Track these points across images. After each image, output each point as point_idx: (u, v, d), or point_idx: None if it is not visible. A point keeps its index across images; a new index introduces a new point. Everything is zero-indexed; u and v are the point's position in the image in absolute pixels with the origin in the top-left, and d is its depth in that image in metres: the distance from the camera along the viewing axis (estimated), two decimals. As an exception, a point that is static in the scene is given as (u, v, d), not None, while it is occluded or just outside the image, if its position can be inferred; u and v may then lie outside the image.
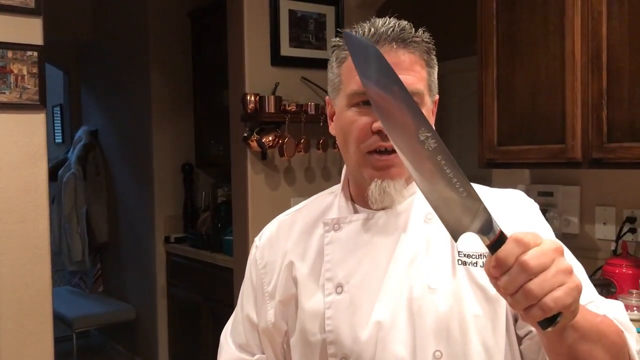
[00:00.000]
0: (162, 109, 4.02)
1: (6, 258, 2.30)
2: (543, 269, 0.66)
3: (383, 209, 0.97)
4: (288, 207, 1.16)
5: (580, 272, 0.94)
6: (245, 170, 3.04)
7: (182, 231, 4.04)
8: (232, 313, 1.15)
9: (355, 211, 1.02)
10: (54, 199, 4.66)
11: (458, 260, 0.93)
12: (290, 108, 3.01)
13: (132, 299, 4.37)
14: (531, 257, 0.66)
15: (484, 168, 2.32)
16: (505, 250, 0.67)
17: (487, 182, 2.77)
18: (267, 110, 2.95)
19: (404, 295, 0.92)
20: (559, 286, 0.66)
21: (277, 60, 3.07)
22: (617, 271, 2.10)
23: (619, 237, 2.19)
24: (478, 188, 1.04)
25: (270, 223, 1.13)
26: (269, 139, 2.98)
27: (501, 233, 0.70)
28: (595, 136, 1.95)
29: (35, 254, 2.36)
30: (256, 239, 1.12)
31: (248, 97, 2.96)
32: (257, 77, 3.03)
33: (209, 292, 3.51)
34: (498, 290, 0.69)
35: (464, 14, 2.70)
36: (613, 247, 2.19)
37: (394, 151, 0.91)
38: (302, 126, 2.99)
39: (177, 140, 4.08)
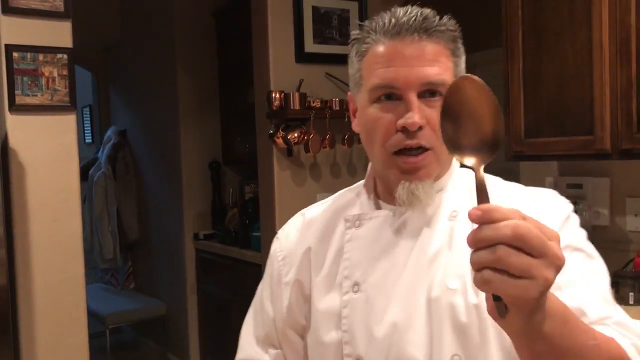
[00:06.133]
0: (189, 107, 4.06)
1: (41, 256, 2.36)
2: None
3: None
4: (314, 202, 1.16)
5: (595, 274, 0.87)
6: (272, 166, 3.06)
7: (211, 228, 4.08)
8: None
9: (378, 207, 0.99)
10: (85, 199, 4.75)
11: None
12: (315, 104, 3.01)
13: (163, 295, 4.44)
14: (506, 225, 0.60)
15: (512, 161, 2.30)
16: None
17: (515, 174, 2.75)
18: (292, 107, 2.97)
19: (423, 295, 0.88)
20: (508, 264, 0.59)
21: (302, 56, 3.08)
22: (649, 263, 2.07)
23: (650, 228, 2.16)
24: (511, 186, 0.99)
25: (294, 217, 1.11)
26: (294, 135, 2.99)
27: None
28: (624, 126, 1.92)
29: (69, 252, 2.42)
30: (279, 231, 1.11)
31: (273, 95, 2.98)
32: (282, 74, 3.04)
33: (238, 287, 3.54)
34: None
35: (489, 5, 2.67)
36: (645, 239, 2.16)
37: (420, 151, 0.89)
38: (327, 122, 3.00)
39: (204, 138, 4.12)
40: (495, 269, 0.59)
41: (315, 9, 3.11)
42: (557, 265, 0.61)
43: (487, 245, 0.60)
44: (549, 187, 2.50)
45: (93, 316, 4.09)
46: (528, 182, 2.83)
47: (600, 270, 0.89)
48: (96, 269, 5.17)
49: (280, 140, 2.99)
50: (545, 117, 2.14)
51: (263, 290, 1.08)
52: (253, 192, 3.83)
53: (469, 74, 0.68)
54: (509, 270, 0.59)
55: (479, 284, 0.61)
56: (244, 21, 3.40)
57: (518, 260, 0.59)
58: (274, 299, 1.04)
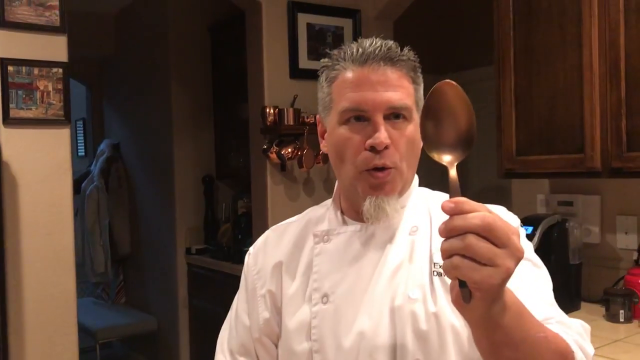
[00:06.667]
0: (183, 121, 4.07)
1: (33, 270, 2.35)
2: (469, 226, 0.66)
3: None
4: (308, 218, 1.18)
5: (541, 281, 0.96)
6: (265, 181, 3.07)
7: (203, 243, 4.08)
8: None
9: (345, 223, 1.06)
10: (77, 212, 4.73)
11: (433, 271, 0.96)
12: (308, 120, 3.03)
13: (154, 310, 4.42)
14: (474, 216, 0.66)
15: (503, 178, 2.32)
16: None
17: (507, 191, 2.77)
18: (286, 123, 2.99)
19: (387, 305, 0.95)
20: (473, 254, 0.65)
21: (296, 72, 3.11)
22: (639, 281, 2.08)
23: (641, 246, 2.17)
24: None
25: (264, 233, 1.18)
26: (288, 150, 3.01)
27: None
28: (614, 145, 1.94)
29: (61, 265, 2.41)
30: (251, 248, 1.16)
31: (267, 110, 3.00)
32: (276, 90, 3.06)
33: (230, 303, 3.51)
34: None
35: (480, 25, 2.71)
36: (635, 257, 2.17)
37: (387, 168, 0.97)
38: (320, 138, 3.01)
39: (197, 152, 4.13)
40: (464, 257, 0.66)
41: (310, 26, 3.14)
42: (518, 257, 0.67)
43: (458, 234, 0.66)
44: (541, 204, 2.53)
45: (83, 331, 4.06)
46: (519, 199, 2.85)
47: (545, 277, 0.98)
48: (87, 283, 5.14)
49: (273, 156, 3.00)
50: (536, 135, 2.17)
51: (238, 304, 1.14)
52: (246, 207, 3.83)
53: (448, 80, 0.75)
54: (475, 257, 0.65)
55: (448, 269, 0.67)
56: (239, 36, 3.42)
57: (484, 247, 0.65)
58: (250, 311, 1.10)
